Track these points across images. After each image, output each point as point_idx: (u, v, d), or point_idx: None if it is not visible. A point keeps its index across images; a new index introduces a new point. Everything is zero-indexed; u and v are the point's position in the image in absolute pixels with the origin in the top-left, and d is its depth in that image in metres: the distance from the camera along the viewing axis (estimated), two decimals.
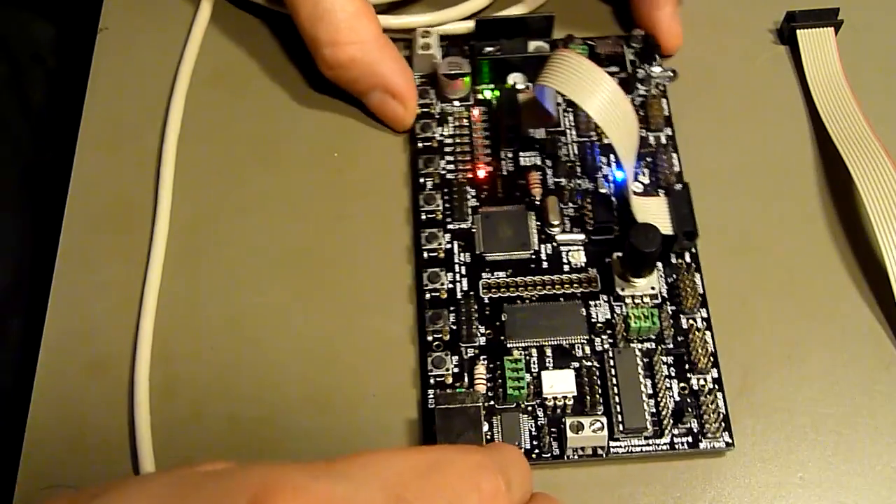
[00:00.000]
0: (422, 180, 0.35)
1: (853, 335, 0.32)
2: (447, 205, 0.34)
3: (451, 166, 0.35)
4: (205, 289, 0.34)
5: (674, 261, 0.33)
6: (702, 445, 0.30)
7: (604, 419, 0.30)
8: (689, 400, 0.31)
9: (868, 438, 0.31)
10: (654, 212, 0.33)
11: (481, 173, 0.35)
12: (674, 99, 0.36)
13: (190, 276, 0.35)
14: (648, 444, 0.30)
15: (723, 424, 0.30)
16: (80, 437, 0.32)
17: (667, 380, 0.31)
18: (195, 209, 0.36)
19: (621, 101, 0.32)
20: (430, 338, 0.32)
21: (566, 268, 0.33)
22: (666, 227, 0.32)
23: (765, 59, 0.38)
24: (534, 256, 0.33)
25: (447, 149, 0.36)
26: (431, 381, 0.32)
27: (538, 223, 0.34)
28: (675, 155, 0.35)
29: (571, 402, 0.31)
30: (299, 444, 0.32)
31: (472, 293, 0.33)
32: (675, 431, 0.30)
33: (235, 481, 0.20)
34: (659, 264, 0.33)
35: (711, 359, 0.31)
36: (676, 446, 0.30)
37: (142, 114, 0.38)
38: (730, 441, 0.30)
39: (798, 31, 0.37)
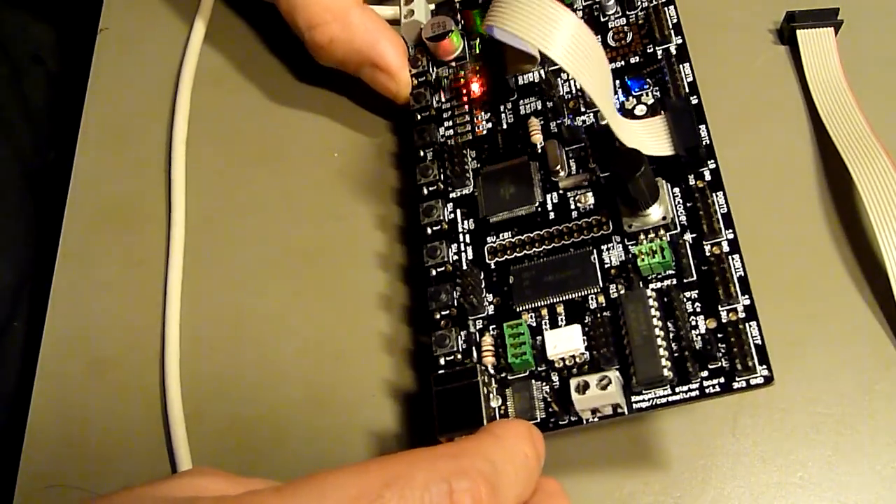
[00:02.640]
0: (421, 153, 0.34)
1: (853, 335, 0.32)
2: (447, 172, 0.33)
3: (450, 132, 0.34)
4: (205, 289, 0.34)
5: (692, 182, 0.31)
6: (736, 385, 0.27)
7: (612, 374, 0.28)
8: (718, 335, 0.28)
9: (868, 438, 0.31)
10: (651, 134, 0.31)
11: (475, 87, 0.34)
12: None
13: (190, 277, 0.35)
14: (675, 394, 0.28)
15: (759, 356, 0.27)
16: (81, 437, 0.32)
17: (691, 317, 0.29)
18: (195, 210, 0.36)
19: (585, 36, 0.28)
20: (436, 315, 0.31)
21: (574, 214, 0.31)
22: (666, 148, 0.30)
23: (765, 59, 0.38)
24: (539, 209, 0.32)
25: (445, 115, 0.35)
26: (441, 360, 0.31)
27: (542, 172, 0.32)
28: (686, 65, 0.33)
29: (583, 360, 0.29)
30: (300, 443, 0.32)
31: (475, 266, 0.32)
32: (704, 374, 0.28)
33: None
34: (668, 189, 0.30)
35: (740, 284, 0.28)
36: (707, 390, 0.28)
37: (142, 114, 0.38)
38: (768, 374, 0.27)
39: (798, 31, 0.37)
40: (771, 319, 0.33)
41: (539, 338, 0.30)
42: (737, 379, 0.27)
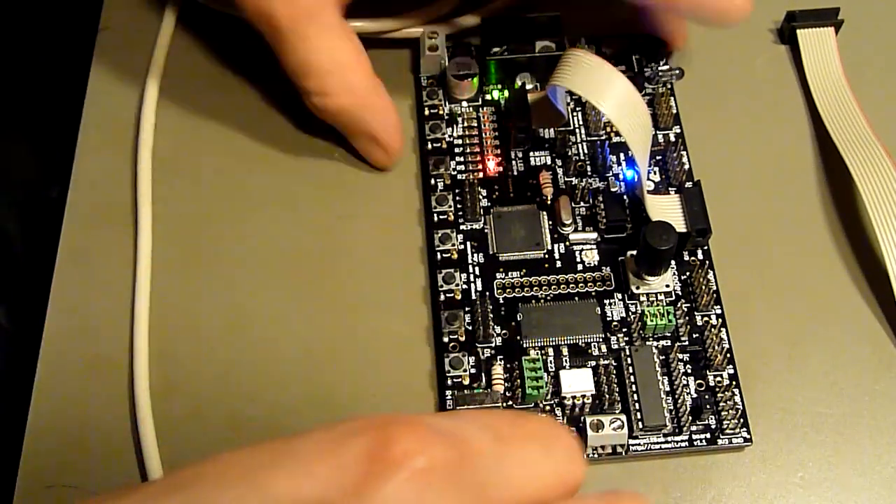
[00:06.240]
0: (433, 181, 0.35)
1: (853, 335, 0.32)
2: (458, 205, 0.34)
3: (462, 167, 0.35)
4: (206, 289, 0.34)
5: (686, 258, 0.33)
6: (720, 442, 0.30)
7: (623, 417, 0.30)
8: (706, 397, 0.31)
9: (868, 438, 0.31)
10: (667, 209, 0.33)
11: (491, 165, 0.35)
12: (678, 98, 0.36)
13: (191, 277, 0.35)
14: (667, 442, 0.30)
15: (741, 420, 0.30)
16: (81, 437, 0.32)
17: (683, 377, 0.31)
18: (195, 209, 0.36)
19: (634, 98, 0.32)
20: (445, 339, 0.32)
21: (580, 267, 0.33)
22: (679, 225, 0.32)
23: (765, 59, 0.38)
24: (547, 256, 0.33)
25: (457, 149, 0.36)
26: (449, 381, 0.31)
27: (550, 222, 0.34)
28: (684, 153, 0.35)
29: (590, 400, 0.31)
30: None
31: (486, 293, 0.33)
32: (694, 428, 0.30)
33: (344, 432, 0.19)
34: (672, 262, 0.33)
35: (727, 356, 0.32)
36: (695, 443, 0.30)
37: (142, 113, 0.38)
38: (748, 437, 0.30)
39: (798, 31, 0.37)
40: (771, 319, 0.33)
41: (549, 374, 0.31)
42: (720, 437, 0.30)
